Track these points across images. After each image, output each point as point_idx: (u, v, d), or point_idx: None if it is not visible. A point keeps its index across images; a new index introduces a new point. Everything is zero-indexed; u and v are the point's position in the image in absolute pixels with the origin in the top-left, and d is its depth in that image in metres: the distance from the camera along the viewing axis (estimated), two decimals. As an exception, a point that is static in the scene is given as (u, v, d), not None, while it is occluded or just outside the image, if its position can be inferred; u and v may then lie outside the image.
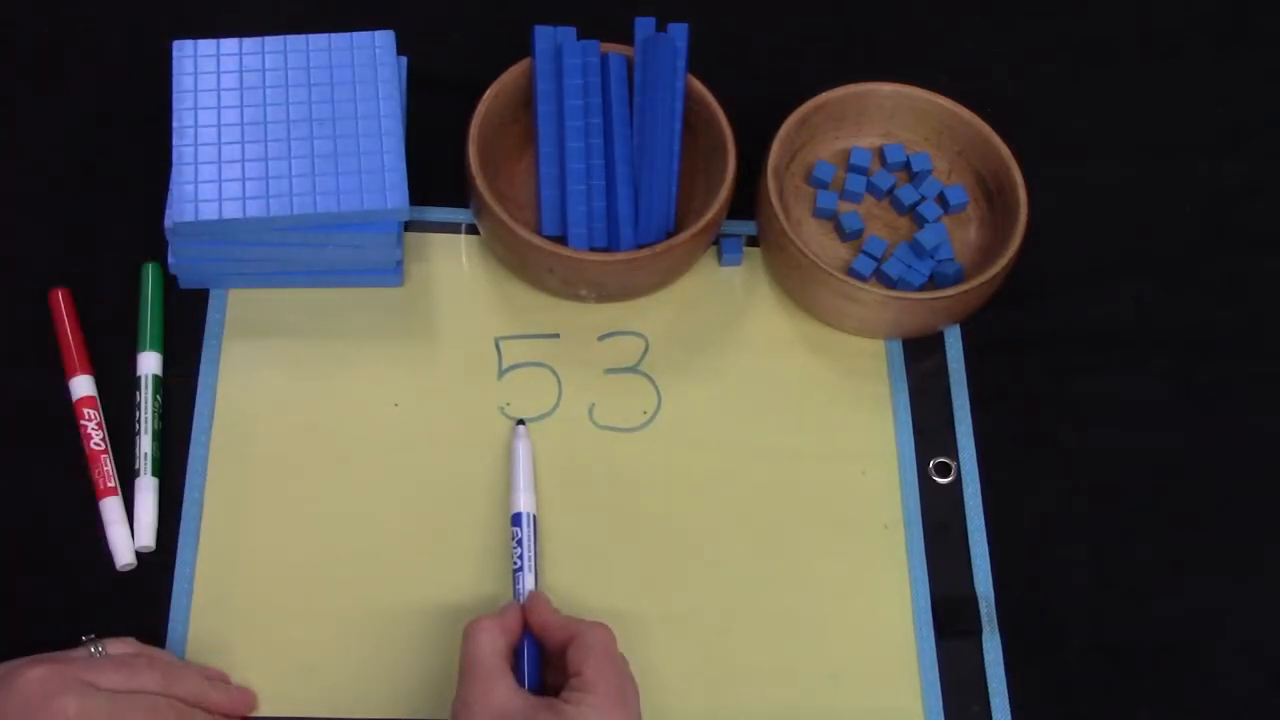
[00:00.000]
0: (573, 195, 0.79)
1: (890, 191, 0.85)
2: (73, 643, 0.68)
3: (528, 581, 0.70)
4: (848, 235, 0.83)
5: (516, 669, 0.65)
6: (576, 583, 0.74)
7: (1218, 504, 0.80)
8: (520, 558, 0.71)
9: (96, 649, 0.65)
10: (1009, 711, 0.72)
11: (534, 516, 0.73)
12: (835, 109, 0.85)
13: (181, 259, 0.77)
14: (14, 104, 0.86)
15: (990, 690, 0.73)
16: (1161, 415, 0.82)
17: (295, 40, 0.81)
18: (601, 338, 0.81)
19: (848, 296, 0.78)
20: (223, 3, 0.91)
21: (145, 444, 0.74)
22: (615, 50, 0.83)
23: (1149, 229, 0.89)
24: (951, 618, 0.74)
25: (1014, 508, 0.78)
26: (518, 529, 0.72)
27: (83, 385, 0.75)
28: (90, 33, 0.89)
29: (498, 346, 0.80)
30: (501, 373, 0.79)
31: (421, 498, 0.75)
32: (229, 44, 0.80)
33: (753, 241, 0.84)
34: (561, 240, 0.78)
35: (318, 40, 0.81)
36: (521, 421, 0.76)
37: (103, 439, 0.74)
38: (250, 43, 0.80)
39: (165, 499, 0.73)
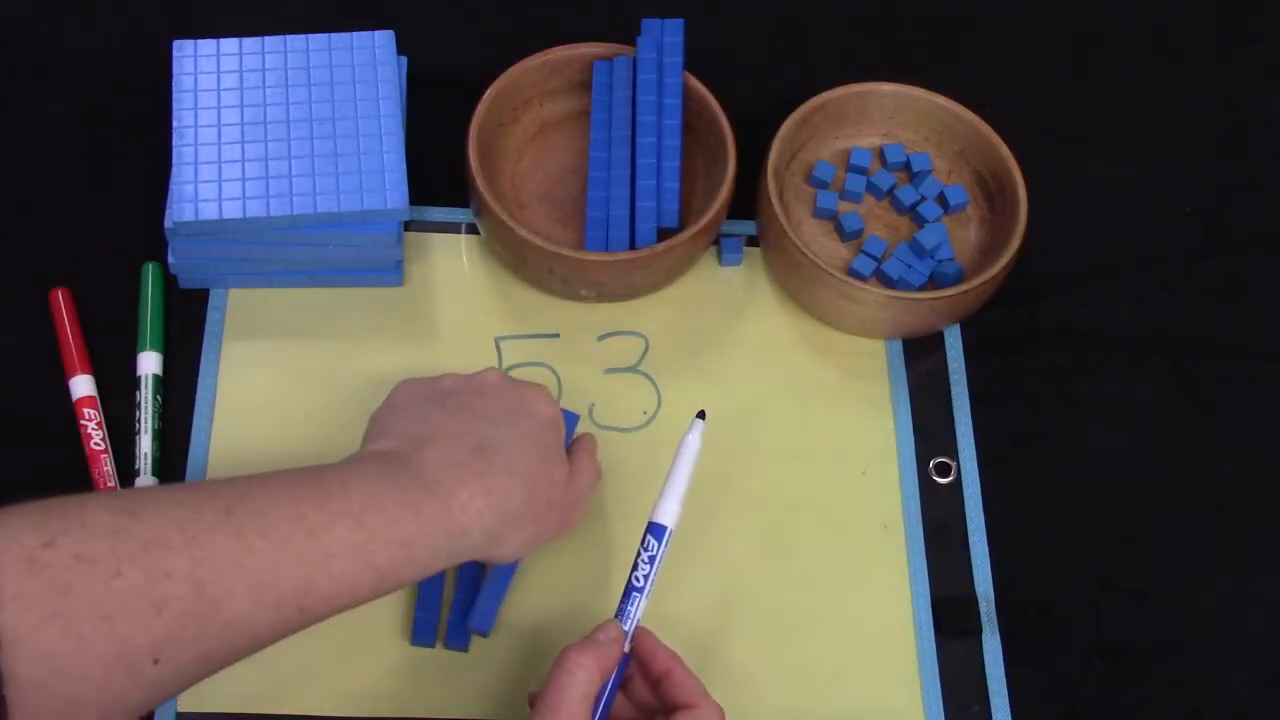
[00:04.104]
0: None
1: (890, 191, 0.85)
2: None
3: (641, 609, 0.63)
4: (848, 235, 0.83)
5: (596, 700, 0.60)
6: (575, 583, 0.74)
7: (1218, 504, 0.80)
8: (644, 578, 0.63)
9: None
10: (1009, 711, 0.72)
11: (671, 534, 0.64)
12: (835, 109, 0.85)
13: (181, 259, 0.77)
14: (14, 104, 0.86)
15: (990, 690, 0.73)
16: (1161, 415, 0.82)
17: (295, 40, 0.81)
18: (601, 338, 0.81)
19: (848, 296, 0.78)
20: (223, 3, 0.91)
21: (145, 444, 0.74)
22: (618, 52, 0.83)
23: (1149, 229, 0.89)
24: (951, 618, 0.74)
25: (1014, 508, 0.78)
26: (654, 541, 0.63)
27: (83, 385, 0.75)
28: (90, 33, 0.89)
29: (498, 346, 0.80)
30: (501, 373, 0.79)
31: (421, 498, 0.75)
32: (229, 44, 0.80)
33: (753, 241, 0.84)
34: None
35: (318, 40, 0.81)
36: (702, 414, 0.66)
37: (103, 439, 0.74)
38: (250, 43, 0.80)
39: (165, 499, 0.73)
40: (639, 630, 0.63)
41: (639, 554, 0.63)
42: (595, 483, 0.70)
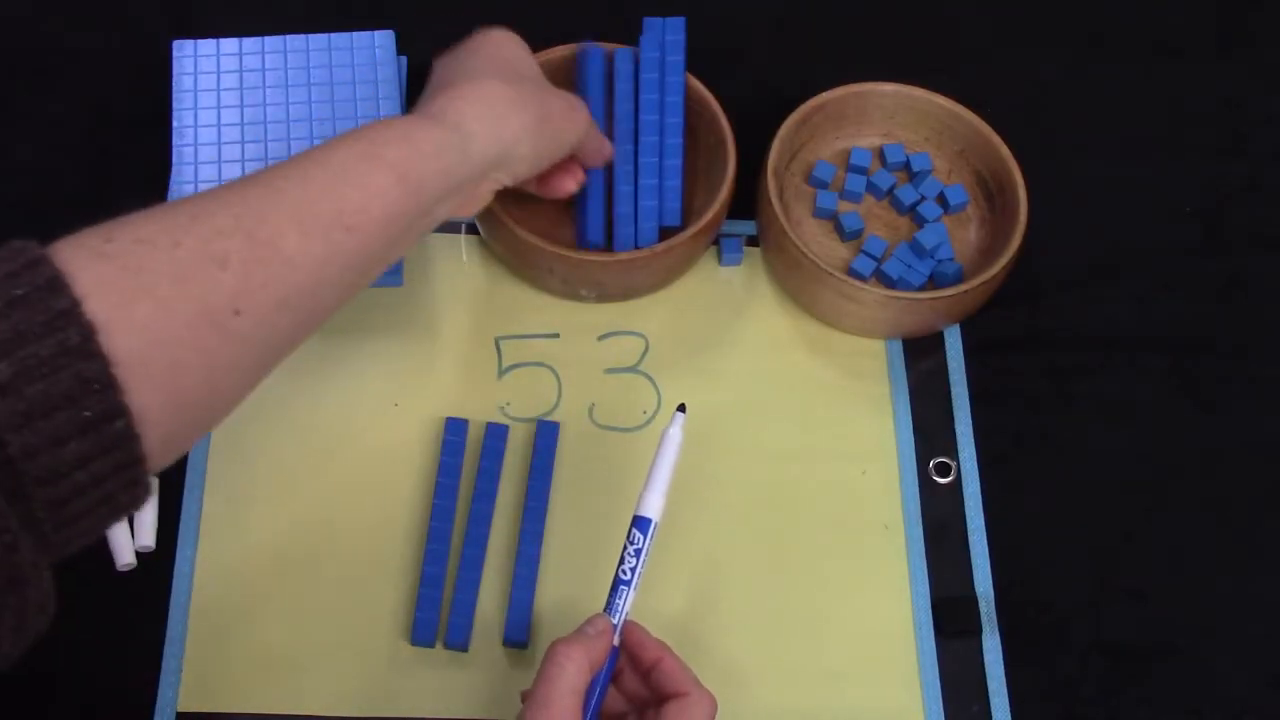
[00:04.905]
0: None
1: (890, 191, 0.85)
2: (73, 644, 0.68)
3: (629, 602, 0.63)
4: (848, 235, 0.83)
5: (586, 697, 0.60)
6: (575, 583, 0.74)
7: (1218, 504, 0.80)
8: (631, 571, 0.63)
9: None
10: (1009, 711, 0.72)
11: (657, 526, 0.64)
12: (835, 109, 0.85)
13: (181, 259, 0.77)
14: (14, 104, 0.86)
15: (990, 690, 0.73)
16: (1161, 415, 0.82)
17: (295, 40, 0.81)
18: (601, 338, 0.81)
19: (848, 296, 0.78)
20: (223, 3, 0.91)
21: (145, 444, 0.74)
22: (618, 49, 0.83)
23: (1149, 229, 0.89)
24: (951, 618, 0.74)
25: (1014, 508, 0.78)
26: (639, 535, 0.64)
27: (83, 385, 0.75)
28: (90, 33, 0.89)
29: (498, 346, 0.80)
30: (501, 372, 0.79)
31: (422, 498, 0.75)
32: (229, 44, 0.80)
33: (753, 241, 0.84)
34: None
35: (318, 40, 0.81)
36: (682, 408, 0.66)
37: (103, 439, 0.74)
38: (250, 43, 0.80)
39: (165, 499, 0.73)
40: (628, 622, 0.63)
41: (625, 548, 0.64)
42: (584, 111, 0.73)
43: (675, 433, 0.65)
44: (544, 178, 0.74)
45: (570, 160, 0.74)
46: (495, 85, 0.65)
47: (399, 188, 0.59)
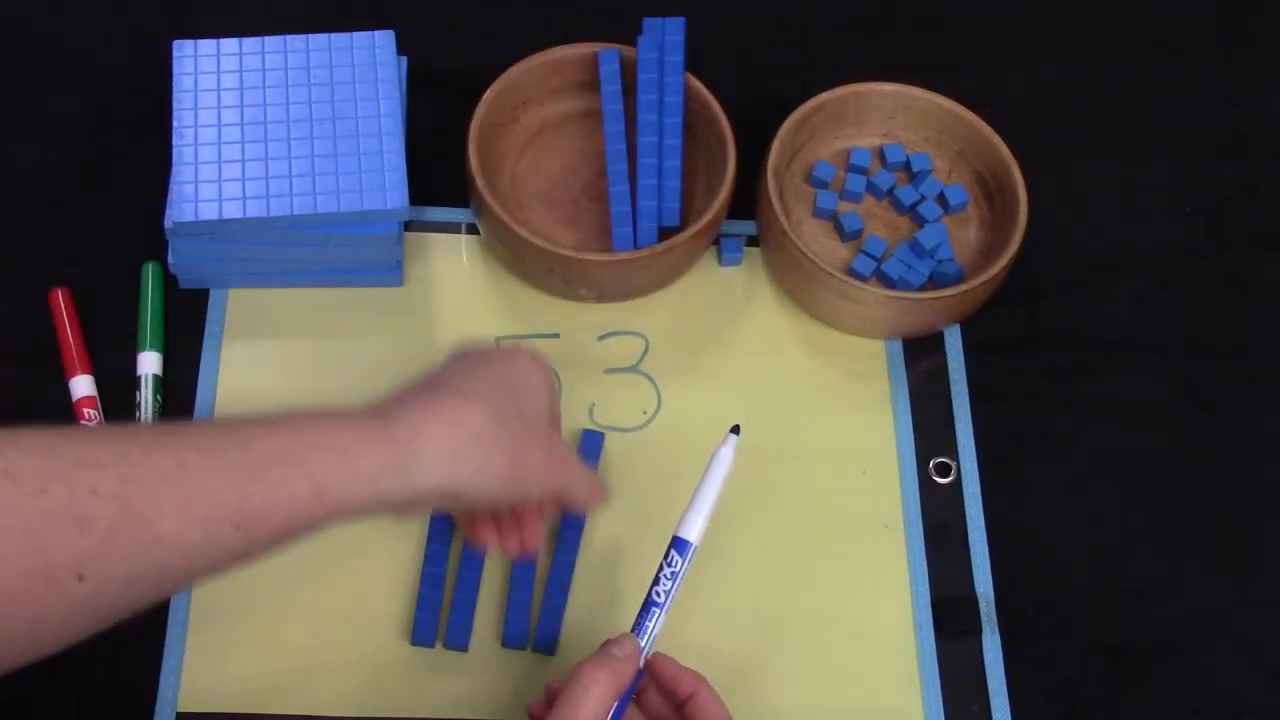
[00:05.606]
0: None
1: (890, 191, 0.85)
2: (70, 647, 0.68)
3: (659, 624, 0.61)
4: (848, 235, 0.83)
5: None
6: (573, 583, 0.73)
7: (1218, 504, 0.80)
8: (665, 594, 0.61)
9: None
10: (1009, 711, 0.72)
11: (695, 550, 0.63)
12: (835, 109, 0.85)
13: (182, 258, 0.78)
14: (14, 104, 0.86)
15: (990, 690, 0.73)
16: (1161, 415, 0.82)
17: (295, 40, 0.81)
18: (601, 338, 0.81)
19: (848, 296, 0.78)
20: (223, 3, 0.91)
21: (145, 444, 0.74)
22: (617, 49, 0.83)
23: (1149, 229, 0.89)
24: (951, 618, 0.74)
25: (1014, 508, 0.78)
26: (677, 557, 0.62)
27: (83, 385, 0.75)
28: (90, 33, 0.89)
29: (497, 346, 0.80)
30: (501, 373, 0.79)
31: (421, 498, 0.75)
32: (229, 44, 0.80)
33: (753, 241, 0.84)
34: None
35: (318, 40, 0.81)
36: (736, 429, 0.64)
37: (103, 439, 0.74)
38: (250, 43, 0.80)
39: (165, 499, 0.73)
40: (657, 655, 0.61)
41: (661, 568, 0.62)
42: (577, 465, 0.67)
43: (727, 454, 0.63)
44: (476, 519, 0.68)
45: (530, 511, 0.68)
46: (475, 414, 0.58)
47: (312, 499, 0.53)
